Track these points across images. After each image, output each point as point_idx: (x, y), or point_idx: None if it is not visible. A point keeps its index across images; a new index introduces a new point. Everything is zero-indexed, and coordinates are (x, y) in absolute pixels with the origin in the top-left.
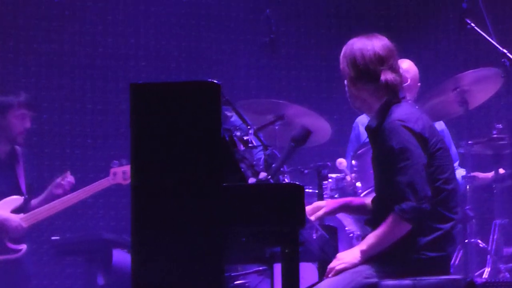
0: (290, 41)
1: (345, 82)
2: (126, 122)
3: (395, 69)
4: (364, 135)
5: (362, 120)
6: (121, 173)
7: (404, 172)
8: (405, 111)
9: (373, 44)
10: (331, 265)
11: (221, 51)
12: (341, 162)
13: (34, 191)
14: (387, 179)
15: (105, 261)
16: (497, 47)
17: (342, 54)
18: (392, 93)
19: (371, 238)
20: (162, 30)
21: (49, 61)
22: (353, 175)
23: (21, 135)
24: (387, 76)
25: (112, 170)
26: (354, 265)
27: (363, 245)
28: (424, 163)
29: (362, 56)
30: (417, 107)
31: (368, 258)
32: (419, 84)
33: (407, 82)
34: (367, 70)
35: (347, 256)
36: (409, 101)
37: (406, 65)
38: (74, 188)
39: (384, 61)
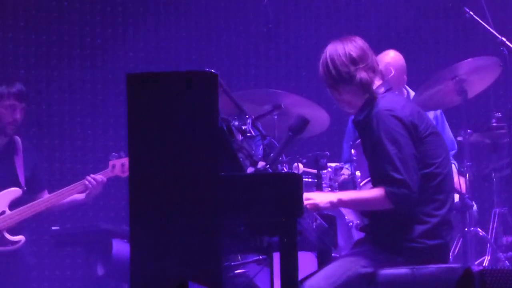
0: (289, 31)
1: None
2: (125, 113)
3: (371, 67)
4: None
5: None
6: (120, 165)
7: (393, 161)
8: (390, 100)
9: (344, 47)
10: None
11: (219, 41)
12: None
13: (35, 183)
14: (378, 168)
15: (104, 251)
16: (496, 36)
17: (320, 62)
18: (368, 91)
19: (354, 194)
20: (159, 21)
21: (49, 52)
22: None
23: (10, 125)
24: (361, 75)
25: (111, 163)
26: (324, 208)
27: (344, 195)
28: (412, 152)
29: (333, 61)
30: (404, 97)
31: (339, 207)
32: (405, 76)
33: (391, 73)
34: (340, 74)
35: (321, 197)
36: (395, 92)
37: (391, 56)
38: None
39: (357, 61)
